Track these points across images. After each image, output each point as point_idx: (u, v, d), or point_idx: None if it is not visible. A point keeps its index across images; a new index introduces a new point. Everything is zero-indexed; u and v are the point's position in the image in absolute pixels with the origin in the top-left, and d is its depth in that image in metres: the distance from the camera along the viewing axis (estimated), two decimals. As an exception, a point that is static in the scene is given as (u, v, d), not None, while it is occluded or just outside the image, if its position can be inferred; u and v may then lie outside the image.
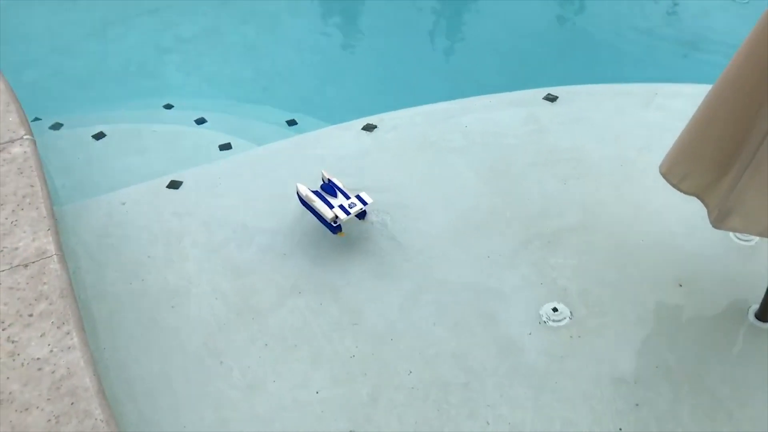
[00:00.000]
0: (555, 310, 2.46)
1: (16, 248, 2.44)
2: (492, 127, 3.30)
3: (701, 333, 2.39)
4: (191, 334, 2.43)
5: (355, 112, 3.42)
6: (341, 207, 2.67)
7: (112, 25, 4.56)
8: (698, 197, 2.25)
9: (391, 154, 3.17)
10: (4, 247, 2.44)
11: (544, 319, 2.44)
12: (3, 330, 2.19)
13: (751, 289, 2.49)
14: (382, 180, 3.01)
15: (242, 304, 2.53)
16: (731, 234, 2.68)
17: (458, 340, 2.40)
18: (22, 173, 2.73)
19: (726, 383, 2.23)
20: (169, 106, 3.85)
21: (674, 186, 2.24)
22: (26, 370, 2.08)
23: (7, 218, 2.55)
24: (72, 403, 1.99)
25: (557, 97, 3.46)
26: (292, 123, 3.71)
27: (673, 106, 3.34)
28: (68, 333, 2.18)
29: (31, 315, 2.23)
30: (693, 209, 2.40)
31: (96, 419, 1.96)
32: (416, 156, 3.16)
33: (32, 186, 2.68)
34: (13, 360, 2.11)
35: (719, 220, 2.20)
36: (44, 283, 2.33)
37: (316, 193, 2.72)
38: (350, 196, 2.72)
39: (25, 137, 2.88)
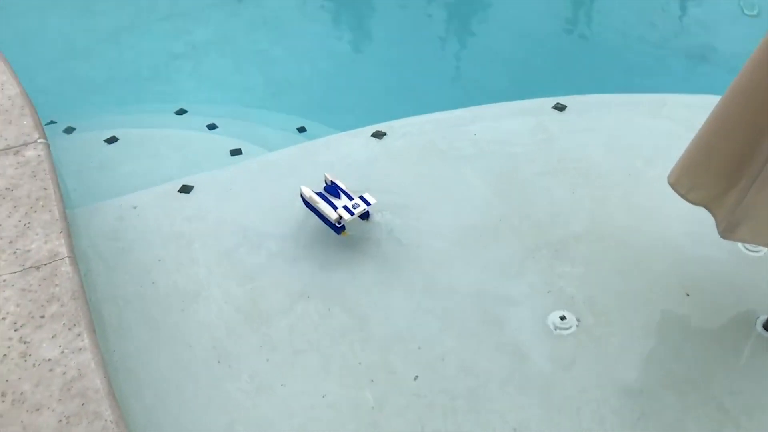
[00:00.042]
0: (562, 318, 2.46)
1: (29, 250, 2.47)
2: (501, 136, 3.32)
3: (708, 343, 2.39)
4: (200, 337, 2.45)
5: (365, 119, 3.44)
6: (345, 208, 2.69)
7: (126, 31, 4.61)
8: (706, 208, 2.25)
9: (400, 161, 3.19)
10: (16, 249, 2.47)
11: (551, 327, 2.45)
12: (15, 331, 2.21)
13: (759, 300, 2.49)
14: (390, 186, 3.03)
15: (251, 308, 2.55)
16: (740, 244, 2.68)
17: (465, 346, 2.41)
18: (35, 176, 2.76)
19: (733, 394, 2.23)
20: (181, 112, 3.88)
21: (682, 196, 2.25)
22: (37, 371, 2.10)
23: (20, 220, 2.58)
24: (82, 404, 2.01)
25: (566, 106, 3.48)
26: (302, 130, 3.74)
27: (682, 117, 3.34)
28: (79, 335, 2.20)
29: (42, 316, 2.25)
30: (701, 219, 2.40)
31: (106, 420, 1.98)
32: (425, 163, 3.18)
33: (45, 189, 2.70)
34: (25, 361, 2.13)
35: (728, 230, 2.20)
36: (56, 285, 2.35)
37: (319, 194, 2.75)
38: (353, 197, 2.75)
39: (39, 141, 2.92)
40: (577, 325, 2.45)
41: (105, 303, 2.56)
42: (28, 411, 2.00)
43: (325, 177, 2.82)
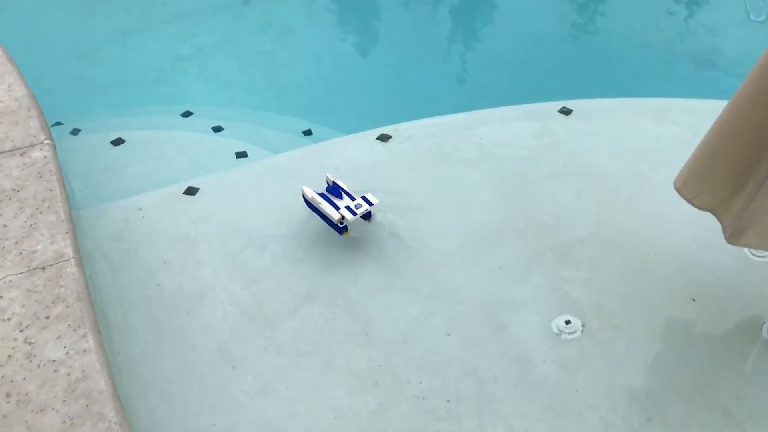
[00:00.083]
0: (567, 322, 2.46)
1: (35, 251, 2.48)
2: (507, 139, 3.32)
3: (714, 348, 2.38)
4: (205, 339, 2.45)
5: (370, 122, 3.45)
6: (348, 208, 2.70)
7: (133, 33, 4.62)
8: (713, 213, 2.25)
9: (405, 164, 3.19)
10: (22, 250, 2.48)
11: (556, 331, 2.44)
12: (20, 332, 2.22)
13: (765, 305, 2.48)
14: (396, 189, 3.03)
15: (256, 310, 2.55)
16: (746, 249, 2.67)
17: (469, 350, 2.40)
18: (41, 177, 2.76)
19: (739, 399, 2.22)
20: (186, 114, 3.89)
21: (688, 201, 2.25)
22: (42, 372, 2.10)
23: (26, 221, 2.58)
24: (86, 406, 2.01)
25: (572, 110, 3.47)
26: (307, 132, 3.74)
27: (688, 122, 3.34)
28: (84, 336, 2.20)
29: (47, 317, 2.26)
30: (707, 224, 2.40)
31: (110, 422, 1.98)
32: (430, 166, 3.18)
33: (51, 190, 2.71)
34: (30, 361, 2.13)
35: (734, 235, 2.20)
36: (61, 286, 2.36)
37: (321, 195, 2.75)
38: (356, 197, 2.75)
39: (45, 142, 2.93)
40: (582, 330, 2.44)
41: (110, 304, 2.56)
42: (32, 412, 2.00)
43: (327, 178, 2.83)
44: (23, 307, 2.29)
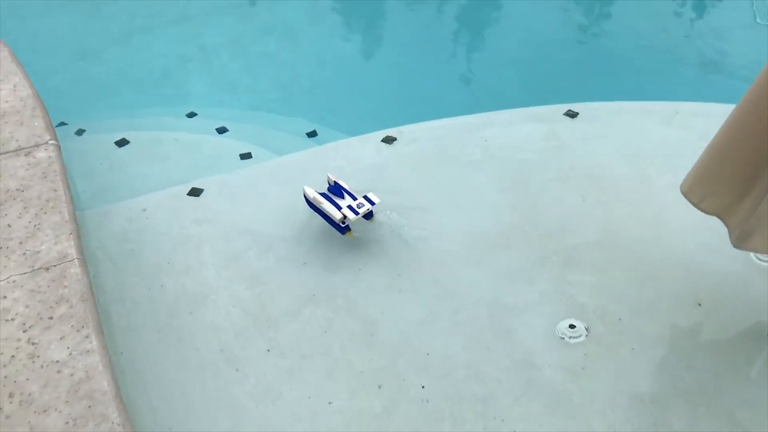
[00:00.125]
0: (572, 326, 2.45)
1: (39, 251, 2.47)
2: (512, 142, 3.31)
3: (720, 353, 2.36)
4: (208, 340, 2.45)
5: (375, 124, 3.45)
6: (350, 207, 2.69)
7: (137, 33, 4.63)
8: (719, 217, 2.24)
9: (410, 167, 3.18)
10: (26, 250, 2.48)
11: (561, 335, 2.43)
12: (24, 332, 2.21)
13: (772, 311, 2.47)
14: (400, 191, 3.02)
15: (259, 311, 2.54)
16: (752, 254, 2.66)
17: (474, 354, 2.39)
18: (46, 177, 2.76)
19: (744, 405, 2.20)
20: (191, 115, 3.89)
21: (695, 205, 2.24)
22: (45, 372, 2.10)
23: (30, 222, 2.58)
24: (89, 406, 2.01)
25: (578, 113, 3.46)
26: (312, 134, 3.74)
27: (694, 125, 3.33)
28: (87, 336, 2.20)
29: (51, 318, 2.25)
30: (713, 228, 2.39)
31: (113, 422, 1.97)
32: (435, 169, 3.17)
33: (55, 190, 2.71)
34: (33, 362, 2.13)
35: (741, 239, 2.18)
36: (65, 287, 2.35)
37: (323, 195, 2.74)
38: (357, 196, 2.75)
39: (50, 142, 2.93)
40: (587, 334, 2.43)
41: (113, 305, 2.56)
42: (35, 412, 2.00)
43: (328, 178, 2.83)
44: (27, 307, 2.28)
